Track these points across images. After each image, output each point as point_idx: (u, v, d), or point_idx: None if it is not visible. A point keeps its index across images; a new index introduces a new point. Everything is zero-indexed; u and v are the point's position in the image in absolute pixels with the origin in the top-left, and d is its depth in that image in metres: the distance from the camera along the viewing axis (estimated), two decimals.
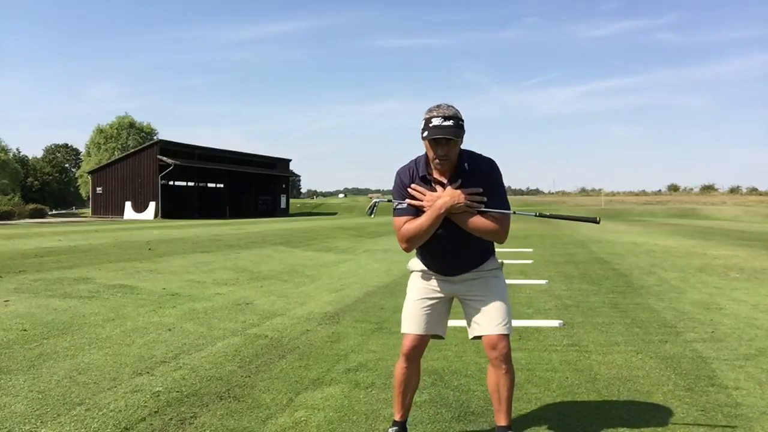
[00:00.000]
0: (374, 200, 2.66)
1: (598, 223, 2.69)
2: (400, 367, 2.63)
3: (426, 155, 2.49)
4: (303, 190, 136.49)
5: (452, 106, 2.41)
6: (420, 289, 2.64)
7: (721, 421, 2.92)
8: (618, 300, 6.41)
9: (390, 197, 2.58)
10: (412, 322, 2.60)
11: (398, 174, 2.56)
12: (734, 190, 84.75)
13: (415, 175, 2.51)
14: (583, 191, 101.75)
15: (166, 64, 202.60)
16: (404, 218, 2.47)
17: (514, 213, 2.52)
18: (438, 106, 2.41)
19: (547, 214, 2.80)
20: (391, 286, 7.39)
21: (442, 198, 2.40)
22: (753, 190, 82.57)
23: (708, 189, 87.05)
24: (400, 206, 2.49)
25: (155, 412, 2.99)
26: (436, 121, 2.35)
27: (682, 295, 6.75)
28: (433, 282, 2.62)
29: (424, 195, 2.45)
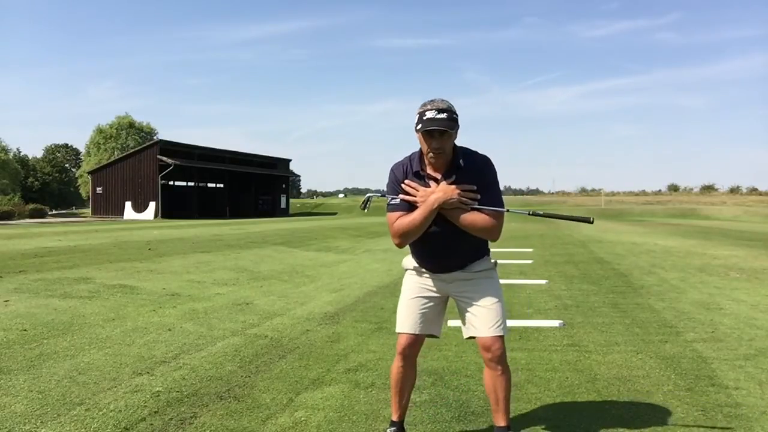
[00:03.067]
0: (368, 195, 2.66)
1: (591, 223, 2.69)
2: (395, 366, 2.63)
3: (420, 151, 2.50)
4: (303, 190, 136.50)
5: (446, 101, 2.42)
6: (414, 288, 2.64)
7: (721, 421, 2.92)
8: (618, 300, 6.41)
9: (384, 191, 2.58)
10: (407, 321, 2.60)
11: (392, 170, 2.56)
12: (734, 190, 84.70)
13: (409, 170, 2.51)
14: (583, 191, 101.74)
15: (166, 64, 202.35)
16: (397, 213, 2.47)
17: (508, 211, 2.51)
18: (432, 101, 2.42)
19: (541, 212, 2.75)
20: (391, 286, 7.38)
21: (435, 193, 2.40)
22: (753, 190, 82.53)
23: (708, 189, 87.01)
24: (393, 201, 2.49)
25: (155, 412, 2.99)
26: (430, 114, 2.36)
27: (682, 295, 6.75)
28: (428, 281, 2.62)
29: (417, 190, 2.45)
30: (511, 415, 2.76)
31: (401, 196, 2.48)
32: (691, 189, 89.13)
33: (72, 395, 3.20)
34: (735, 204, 62.91)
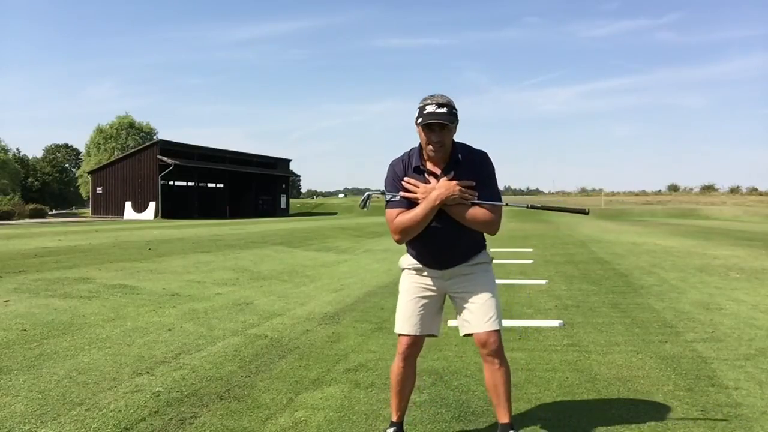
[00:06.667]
0: (367, 193, 2.65)
1: (587, 214, 2.73)
2: (396, 367, 2.63)
3: (419, 147, 2.52)
4: (303, 190, 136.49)
5: (446, 96, 2.44)
6: (413, 288, 2.64)
7: (721, 421, 2.92)
8: (618, 300, 6.41)
9: (383, 189, 2.58)
10: (407, 322, 2.60)
11: (391, 165, 2.56)
12: (734, 190, 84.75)
13: (408, 166, 2.52)
14: (583, 191, 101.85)
15: (166, 64, 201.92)
16: (397, 210, 2.48)
17: (507, 205, 2.54)
18: (432, 96, 2.44)
19: (539, 205, 2.80)
20: (391, 286, 7.38)
21: (437, 189, 2.41)
22: (753, 190, 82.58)
23: (708, 189, 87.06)
24: (393, 198, 2.50)
25: (155, 412, 2.99)
26: (430, 108, 2.39)
27: (682, 295, 6.75)
28: (427, 279, 2.62)
29: (418, 187, 2.45)
30: (512, 413, 2.76)
31: (401, 193, 2.48)
32: (691, 189, 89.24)
33: (72, 395, 3.20)
34: (735, 204, 62.91)
